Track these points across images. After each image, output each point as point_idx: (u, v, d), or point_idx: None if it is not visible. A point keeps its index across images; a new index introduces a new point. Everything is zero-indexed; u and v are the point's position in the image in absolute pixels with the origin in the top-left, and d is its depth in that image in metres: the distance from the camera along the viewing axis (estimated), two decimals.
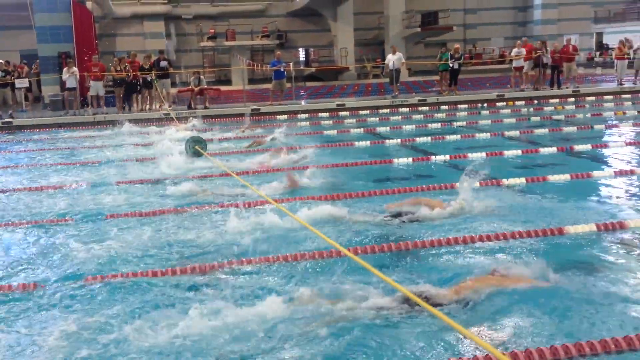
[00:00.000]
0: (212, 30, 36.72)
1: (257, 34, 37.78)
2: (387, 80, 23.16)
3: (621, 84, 22.77)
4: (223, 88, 28.43)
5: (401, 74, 23.88)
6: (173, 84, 24.53)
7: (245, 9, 39.70)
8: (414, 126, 15.70)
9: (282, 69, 21.31)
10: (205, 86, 21.71)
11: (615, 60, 23.94)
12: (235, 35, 36.19)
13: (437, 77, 24.24)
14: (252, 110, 19.66)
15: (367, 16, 39.97)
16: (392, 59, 21.68)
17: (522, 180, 8.58)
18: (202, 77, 21.55)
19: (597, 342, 3.91)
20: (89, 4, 26.40)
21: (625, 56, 23.33)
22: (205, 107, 20.44)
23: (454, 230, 6.41)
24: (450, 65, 21.95)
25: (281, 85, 21.55)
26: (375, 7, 39.03)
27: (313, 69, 36.20)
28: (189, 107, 20.55)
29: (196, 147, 11.31)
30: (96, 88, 20.20)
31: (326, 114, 19.32)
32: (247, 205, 7.40)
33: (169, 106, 20.24)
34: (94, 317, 4.64)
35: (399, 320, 4.34)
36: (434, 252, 5.88)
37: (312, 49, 40.58)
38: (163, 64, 21.15)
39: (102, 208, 7.92)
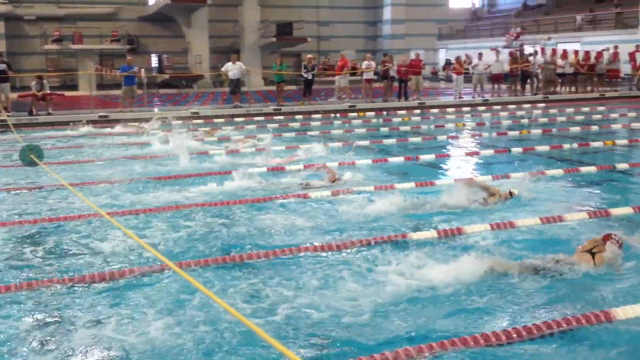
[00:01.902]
0: (58, 33, 34.78)
1: (107, 37, 36.29)
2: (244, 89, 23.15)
3: (460, 97, 24.29)
4: (68, 93, 26.98)
5: (253, 84, 23.95)
6: (13, 89, 22.89)
7: (94, 11, 37.99)
8: (270, 135, 15.73)
9: (132, 75, 20.60)
10: (49, 91, 20.48)
11: (454, 75, 25.57)
12: (82, 39, 34.49)
13: (292, 87, 24.56)
14: (100, 116, 18.82)
15: (223, 24, 39.73)
16: (232, 69, 21.58)
17: (372, 187, 8.82)
18: (45, 81, 20.25)
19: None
20: None
21: (464, 71, 24.95)
22: (49, 114, 19.27)
23: None
24: (305, 75, 22.34)
25: (132, 92, 20.83)
26: (231, 15, 38.93)
27: (167, 76, 35.35)
28: (30, 113, 19.27)
29: (31, 155, 10.45)
30: None
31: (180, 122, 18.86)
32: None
33: (8, 113, 18.80)
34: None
35: None
36: None
37: (165, 55, 39.66)
38: (1, 66, 19.68)
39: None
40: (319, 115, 20.20)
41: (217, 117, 19.72)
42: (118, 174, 10.20)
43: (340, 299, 4.92)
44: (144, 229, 6.98)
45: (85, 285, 5.31)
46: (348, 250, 6.11)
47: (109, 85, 33.98)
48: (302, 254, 6.02)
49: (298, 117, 19.91)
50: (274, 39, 37.08)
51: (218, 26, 39.25)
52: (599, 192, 8.73)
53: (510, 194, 7.79)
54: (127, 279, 5.41)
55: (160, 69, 38.90)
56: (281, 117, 19.81)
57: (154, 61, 40.04)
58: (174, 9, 35.01)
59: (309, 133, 16.40)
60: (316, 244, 6.26)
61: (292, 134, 15.90)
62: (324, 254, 6.02)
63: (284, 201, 8.17)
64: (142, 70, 22.82)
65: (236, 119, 19.28)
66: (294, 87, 30.32)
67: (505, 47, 32.05)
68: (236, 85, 21.83)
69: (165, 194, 8.67)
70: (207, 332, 4.37)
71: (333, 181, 9.09)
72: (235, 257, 5.93)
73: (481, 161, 11.63)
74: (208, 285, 5.15)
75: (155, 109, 21.53)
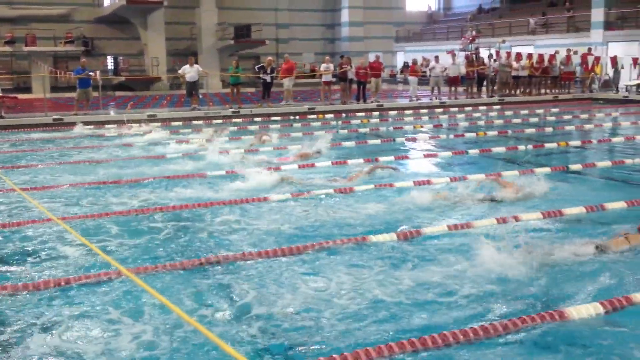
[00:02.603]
0: (10, 35, 33.94)
1: (61, 39, 35.55)
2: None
3: (417, 99, 24.54)
4: (22, 96, 26.37)
5: (211, 86, 23.77)
6: None
7: (48, 13, 37.15)
8: (227, 137, 15.64)
9: (87, 77, 20.24)
10: (1, 94, 19.98)
11: (409, 78, 25.84)
12: (36, 41, 33.70)
13: (251, 90, 24.44)
14: (55, 120, 18.45)
15: (180, 26, 39.38)
16: (190, 71, 21.39)
17: (331, 191, 8.83)
18: None
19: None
20: None
21: (421, 74, 25.23)
22: (1, 117, 18.80)
23: None
24: (263, 78, 22.26)
25: (87, 94, 20.45)
26: (188, 17, 38.59)
27: (123, 78, 34.79)
28: None
29: None
30: None
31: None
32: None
33: None
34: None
35: None
36: None
37: (121, 58, 39.05)
38: None
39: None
40: (278, 118, 20.15)
41: (174, 119, 19.51)
42: (73, 179, 10.01)
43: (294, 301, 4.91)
44: (99, 234, 6.86)
45: (36, 291, 5.19)
46: (288, 257, 6.10)
47: (63, 87, 33.44)
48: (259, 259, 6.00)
49: (257, 119, 19.83)
50: (231, 42, 36.88)
51: (175, 28, 38.85)
52: (555, 192, 8.86)
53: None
54: (78, 285, 5.31)
55: (116, 71, 38.28)
56: (239, 120, 19.70)
57: (110, 63, 39.40)
58: (130, 10, 34.51)
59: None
60: (268, 248, 6.26)
61: (250, 137, 15.82)
62: (283, 258, 6.01)
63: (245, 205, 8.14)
64: (97, 72, 22.45)
65: (194, 122, 19.12)
66: (252, 90, 30.21)
67: (461, 50, 32.45)
68: (194, 87, 21.64)
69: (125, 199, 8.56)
70: (160, 338, 4.31)
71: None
72: (194, 262, 5.87)
73: (440, 162, 11.75)
74: (163, 290, 5.09)
75: (112, 112, 21.15)
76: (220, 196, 8.62)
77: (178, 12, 38.64)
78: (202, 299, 5.03)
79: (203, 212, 7.83)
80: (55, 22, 36.73)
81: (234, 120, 19.68)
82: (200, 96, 22.69)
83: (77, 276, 5.49)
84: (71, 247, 6.37)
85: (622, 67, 27.00)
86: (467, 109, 22.99)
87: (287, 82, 22.97)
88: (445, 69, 25.55)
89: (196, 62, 23.46)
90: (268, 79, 22.34)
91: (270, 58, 23.75)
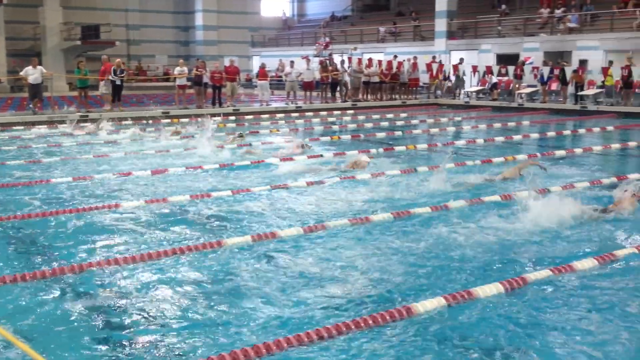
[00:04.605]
0: None
1: None
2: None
3: (267, 104, 24.71)
4: None
5: (57, 89, 22.49)
6: None
7: None
8: (74, 142, 14.90)
9: None
10: None
11: (259, 82, 26.08)
12: None
13: (98, 93, 23.33)
14: None
15: (21, 25, 36.97)
16: (33, 73, 20.11)
17: (186, 198, 8.64)
18: None
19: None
20: None
21: (269, 78, 25.56)
22: None
23: None
24: (113, 80, 21.37)
25: None
26: (30, 16, 36.32)
27: None
28: None
29: None
30: None
31: None
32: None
33: None
34: None
35: None
36: None
37: None
38: None
39: None
40: (130, 122, 19.42)
41: (14, 124, 18.26)
42: None
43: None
44: None
45: None
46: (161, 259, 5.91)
47: None
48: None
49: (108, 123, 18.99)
50: (78, 42, 35.17)
51: (16, 27, 36.39)
52: (400, 193, 9.22)
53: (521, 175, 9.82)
54: None
55: None
56: (89, 124, 18.77)
57: None
58: None
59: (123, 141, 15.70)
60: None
61: (101, 141, 15.16)
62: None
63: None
64: None
65: (38, 127, 18.00)
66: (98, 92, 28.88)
67: (315, 55, 33.18)
68: (37, 90, 20.32)
69: None
70: None
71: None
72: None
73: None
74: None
75: None
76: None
77: (19, 11, 36.23)
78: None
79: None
80: None
81: (82, 124, 18.74)
82: (45, 99, 21.41)
83: None
84: None
85: (464, 74, 28.79)
86: (322, 113, 23.45)
87: (102, 86, 21.88)
88: (300, 74, 25.93)
89: (40, 64, 22.10)
90: (118, 81, 21.47)
91: (119, 60, 22.83)
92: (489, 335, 4.48)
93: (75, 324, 4.68)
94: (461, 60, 28.74)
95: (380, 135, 16.83)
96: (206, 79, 23.16)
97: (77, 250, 6.39)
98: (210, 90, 23.70)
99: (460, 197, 8.49)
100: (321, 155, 12.60)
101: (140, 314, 4.84)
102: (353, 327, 4.44)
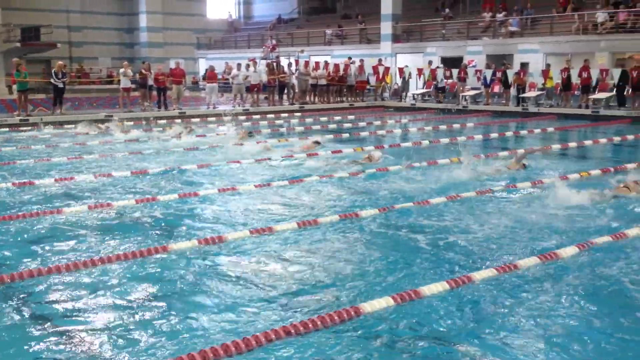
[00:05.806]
0: None
1: None
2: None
3: (214, 107, 24.52)
4: None
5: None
6: None
7: None
8: (14, 147, 14.49)
9: None
10: None
11: (207, 85, 25.88)
12: None
13: (41, 96, 22.76)
14: None
15: None
16: None
17: (133, 202, 8.51)
18: None
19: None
20: None
21: (216, 80, 25.47)
22: None
23: None
24: (55, 83, 20.85)
25: None
26: None
27: None
28: None
29: None
30: None
31: None
32: None
33: None
34: None
35: None
36: None
37: None
38: None
39: None
40: (72, 126, 18.99)
41: None
42: None
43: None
44: None
45: None
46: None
47: None
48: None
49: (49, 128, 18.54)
50: (18, 44, 34.19)
51: None
52: (348, 196, 9.30)
53: (524, 165, 11.00)
54: None
55: None
56: (29, 128, 18.29)
57: None
58: None
59: (62, 145, 15.32)
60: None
61: (42, 146, 14.77)
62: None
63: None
64: None
65: None
66: (43, 96, 28.17)
67: (262, 58, 33.06)
68: None
69: None
70: None
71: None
72: None
73: (242, 168, 11.81)
74: None
75: None
76: None
77: None
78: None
79: None
80: None
81: (21, 128, 18.24)
82: None
83: None
84: None
85: (410, 77, 29.17)
86: (269, 116, 23.39)
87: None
88: (247, 76, 25.82)
89: None
90: (60, 84, 20.95)
91: (61, 62, 22.27)
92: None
93: (17, 332, 4.56)
94: (406, 66, 29.11)
95: (328, 137, 16.89)
96: (151, 81, 22.84)
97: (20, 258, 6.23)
98: (155, 92, 23.37)
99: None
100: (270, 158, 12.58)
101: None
102: (310, 326, 4.44)
